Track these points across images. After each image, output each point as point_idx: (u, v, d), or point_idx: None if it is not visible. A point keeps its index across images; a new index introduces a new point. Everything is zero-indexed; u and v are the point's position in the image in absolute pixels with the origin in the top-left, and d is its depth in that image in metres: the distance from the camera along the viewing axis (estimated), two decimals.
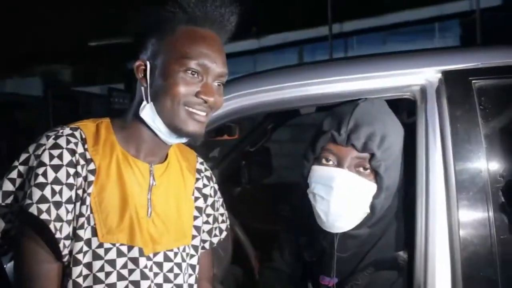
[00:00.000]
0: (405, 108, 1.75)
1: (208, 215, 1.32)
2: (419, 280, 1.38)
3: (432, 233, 1.38)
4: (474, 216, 1.37)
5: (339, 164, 1.48)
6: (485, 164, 1.39)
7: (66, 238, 1.05)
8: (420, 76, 1.52)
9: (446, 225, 1.37)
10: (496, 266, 1.33)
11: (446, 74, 1.49)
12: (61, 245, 1.04)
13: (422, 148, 1.45)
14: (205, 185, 1.32)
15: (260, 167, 3.04)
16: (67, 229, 1.05)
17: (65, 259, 1.06)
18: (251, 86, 1.62)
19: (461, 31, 8.97)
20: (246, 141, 2.71)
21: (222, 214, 1.38)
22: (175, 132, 1.13)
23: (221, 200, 1.39)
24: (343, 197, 1.45)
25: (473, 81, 1.46)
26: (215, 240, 1.36)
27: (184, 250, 1.21)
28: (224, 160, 2.66)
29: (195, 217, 1.28)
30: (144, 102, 1.14)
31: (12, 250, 1.23)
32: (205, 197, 1.32)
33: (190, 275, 1.24)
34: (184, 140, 1.18)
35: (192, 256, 1.24)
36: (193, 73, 1.11)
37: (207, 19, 1.14)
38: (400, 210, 1.54)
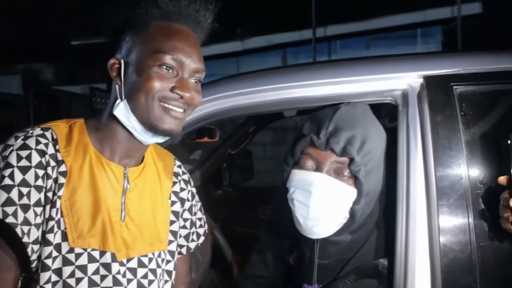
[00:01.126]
0: (386, 113, 1.74)
1: (185, 220, 1.30)
2: (399, 286, 1.37)
3: (412, 239, 1.37)
4: (454, 223, 1.36)
5: (318, 169, 1.45)
6: (465, 170, 1.38)
7: (35, 242, 1.02)
8: (402, 81, 1.51)
9: (426, 232, 1.36)
10: (476, 273, 1.33)
11: (427, 79, 1.48)
12: (29, 249, 1.01)
13: (403, 153, 1.44)
14: (182, 189, 1.29)
15: (241, 170, 3.03)
16: (35, 233, 1.02)
17: (33, 264, 1.03)
18: (231, 88, 1.60)
19: (443, 36, 9.08)
20: (228, 143, 2.69)
21: (200, 219, 1.35)
22: (151, 130, 1.10)
23: (199, 204, 1.36)
24: (321, 202, 1.43)
25: (454, 87, 1.46)
26: (192, 245, 1.33)
27: (159, 255, 1.18)
28: (205, 162, 2.64)
29: (172, 222, 1.25)
30: (118, 100, 1.10)
31: None
32: (182, 201, 1.29)
33: (166, 281, 1.21)
34: (160, 139, 1.14)
35: (168, 261, 1.21)
36: (168, 68, 1.09)
37: (181, 14, 1.12)
38: (382, 217, 1.52)
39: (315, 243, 1.51)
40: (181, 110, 1.11)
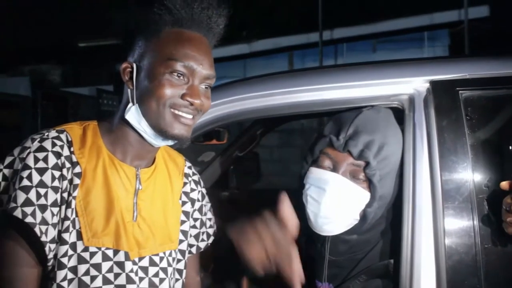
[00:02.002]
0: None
1: (195, 220, 1.32)
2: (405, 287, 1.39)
3: (418, 241, 1.39)
4: (459, 225, 1.38)
5: (335, 169, 1.50)
6: (470, 174, 1.40)
7: (52, 241, 1.05)
8: (408, 85, 1.53)
9: (432, 234, 1.38)
10: (481, 275, 1.35)
11: (434, 84, 1.51)
12: (46, 248, 1.04)
13: (409, 157, 1.46)
14: (192, 190, 1.32)
15: (249, 172, 3.04)
16: (52, 233, 1.05)
17: (50, 263, 1.06)
18: (240, 92, 1.62)
19: (449, 40, 9.06)
20: (235, 146, 2.71)
21: (210, 219, 1.38)
22: (161, 134, 1.13)
23: (209, 205, 1.38)
24: (333, 201, 1.47)
25: (460, 92, 1.48)
26: (202, 245, 1.35)
27: (170, 254, 1.20)
28: (212, 164, 2.66)
29: (182, 222, 1.27)
30: (130, 104, 1.13)
31: None
32: (193, 201, 1.31)
33: (177, 279, 1.23)
34: (170, 142, 1.17)
35: (179, 260, 1.24)
36: (179, 75, 1.11)
37: (194, 21, 1.14)
38: (395, 219, 1.55)
39: (326, 239, 1.55)
40: (191, 117, 1.14)
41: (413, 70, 1.56)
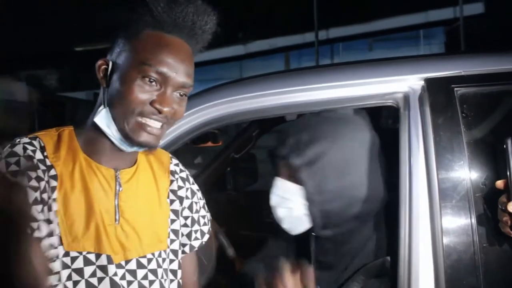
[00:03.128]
0: (389, 115, 1.75)
1: (185, 218, 1.29)
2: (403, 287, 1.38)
3: (415, 240, 1.38)
4: (457, 224, 1.36)
5: (280, 174, 1.58)
6: (467, 172, 1.39)
7: (49, 236, 1.03)
8: (403, 83, 1.52)
9: (429, 233, 1.37)
10: (479, 273, 1.33)
11: (428, 81, 1.49)
12: (45, 243, 1.02)
13: (405, 156, 1.45)
14: (180, 187, 1.29)
15: (245, 174, 3.03)
16: (46, 228, 1.03)
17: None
18: (233, 93, 1.61)
19: (445, 37, 9.08)
20: (231, 147, 2.70)
21: (203, 216, 1.34)
22: (127, 141, 1.09)
23: (201, 201, 1.34)
24: (279, 203, 1.56)
25: (455, 89, 1.47)
26: (196, 243, 1.32)
27: (160, 255, 1.18)
28: (209, 167, 2.65)
29: (172, 221, 1.25)
30: (101, 107, 1.10)
31: None
32: (181, 199, 1.28)
33: (172, 280, 1.21)
34: (139, 149, 1.14)
35: (172, 261, 1.22)
36: (151, 80, 1.07)
37: (176, 25, 1.10)
38: (387, 215, 1.54)
39: (310, 240, 1.60)
40: (159, 125, 1.09)
41: (408, 68, 1.55)
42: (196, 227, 1.31)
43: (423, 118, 1.46)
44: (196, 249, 1.33)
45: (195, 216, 1.31)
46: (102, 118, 1.10)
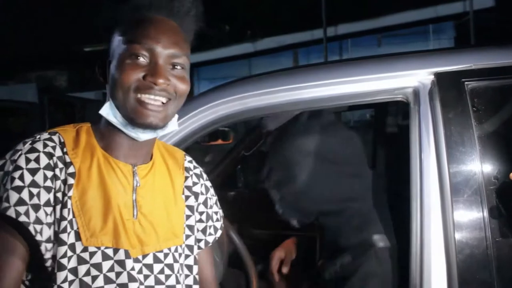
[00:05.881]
0: (399, 110, 1.75)
1: (200, 213, 1.29)
2: (415, 283, 1.38)
3: (427, 235, 1.37)
4: (469, 218, 1.36)
5: None
6: (479, 166, 1.38)
7: (48, 241, 1.04)
8: (413, 78, 1.52)
9: (441, 228, 1.37)
10: (492, 268, 1.33)
11: (438, 76, 1.49)
12: (42, 247, 1.03)
13: (416, 150, 1.44)
14: (195, 183, 1.29)
15: (256, 171, 3.04)
16: (47, 232, 1.04)
17: (48, 263, 1.05)
18: (242, 90, 1.61)
19: (455, 32, 9.03)
20: (241, 145, 2.71)
21: (216, 213, 1.34)
22: (131, 123, 1.09)
23: (214, 198, 1.35)
24: None
25: (465, 83, 1.46)
26: (210, 239, 1.32)
27: (176, 250, 1.19)
28: (219, 165, 2.66)
29: (188, 216, 1.25)
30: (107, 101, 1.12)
31: None
32: (196, 195, 1.29)
33: (187, 275, 1.21)
34: (152, 134, 1.13)
35: (187, 256, 1.22)
36: (138, 57, 1.07)
37: (152, 5, 1.11)
38: (394, 218, 1.57)
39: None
40: (159, 102, 1.08)
41: (417, 62, 1.54)
42: (210, 222, 1.32)
43: (433, 112, 1.45)
44: (210, 244, 1.34)
45: (209, 211, 1.32)
46: (107, 110, 1.11)
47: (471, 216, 1.36)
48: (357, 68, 1.58)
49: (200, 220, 1.29)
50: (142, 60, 1.07)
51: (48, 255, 1.04)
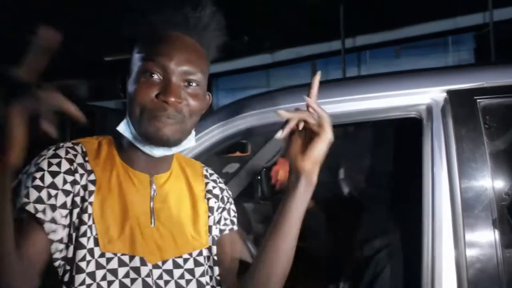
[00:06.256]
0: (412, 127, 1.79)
1: (217, 209, 1.30)
2: None
3: (438, 249, 1.41)
4: (480, 234, 1.39)
5: None
6: (490, 182, 1.42)
7: (60, 241, 1.07)
8: (426, 95, 1.56)
9: (452, 242, 1.40)
10: (503, 283, 1.35)
11: (451, 93, 1.53)
12: (53, 247, 1.06)
13: (428, 166, 1.48)
14: (214, 187, 1.32)
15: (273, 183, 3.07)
16: (61, 233, 1.07)
17: (56, 263, 1.08)
18: (262, 105, 1.66)
19: (475, 43, 8.95)
20: (259, 157, 2.75)
21: (234, 210, 1.35)
22: (148, 142, 1.11)
23: (230, 198, 1.35)
24: None
25: (478, 100, 1.49)
26: (224, 228, 1.30)
27: (200, 254, 1.21)
28: (237, 176, 2.70)
29: (208, 217, 1.27)
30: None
31: None
32: (216, 196, 1.31)
33: (211, 277, 1.23)
34: (167, 151, 1.14)
35: (208, 257, 1.23)
36: (151, 74, 1.08)
37: (167, 22, 1.12)
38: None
39: None
40: (172, 121, 1.08)
41: (430, 80, 1.59)
42: (225, 214, 1.31)
43: (446, 129, 1.49)
44: (226, 233, 1.29)
45: (226, 206, 1.32)
46: (123, 126, 1.14)
47: (481, 231, 1.39)
48: (372, 85, 1.63)
49: (218, 216, 1.29)
50: (156, 77, 1.08)
51: (57, 255, 1.07)
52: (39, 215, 1.04)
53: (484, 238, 1.39)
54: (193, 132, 1.18)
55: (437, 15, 8.33)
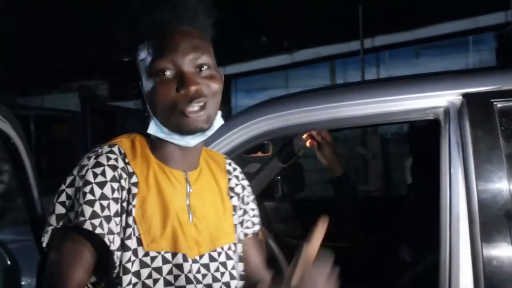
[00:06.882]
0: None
1: (240, 209, 1.35)
2: None
3: (455, 249, 1.45)
4: (496, 234, 1.43)
5: None
6: (506, 183, 1.46)
7: (118, 249, 1.11)
8: (443, 98, 1.60)
9: (469, 242, 1.44)
10: None
11: (468, 96, 1.56)
12: (115, 256, 1.10)
13: (446, 168, 1.52)
14: (236, 184, 1.35)
15: (293, 182, 3.12)
16: (118, 241, 1.11)
17: (116, 269, 1.12)
18: (284, 108, 1.72)
19: (496, 43, 8.87)
20: (279, 157, 2.80)
21: (253, 209, 1.39)
22: (182, 134, 1.13)
23: (251, 196, 1.39)
24: None
25: (494, 103, 1.53)
26: (247, 231, 1.36)
27: (229, 248, 1.25)
28: (258, 175, 2.75)
29: (232, 215, 1.31)
30: (151, 119, 1.18)
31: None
32: (238, 195, 1.34)
33: (238, 271, 1.27)
34: (200, 137, 1.16)
35: (234, 252, 1.28)
36: (165, 72, 1.10)
37: (159, 20, 1.14)
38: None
39: None
40: (197, 108, 1.11)
41: (447, 84, 1.62)
42: (247, 217, 1.36)
43: (463, 131, 1.53)
44: (250, 235, 1.36)
45: (246, 207, 1.36)
46: (153, 127, 1.17)
47: (498, 231, 1.43)
48: (392, 89, 1.67)
49: (240, 216, 1.34)
50: (169, 73, 1.10)
51: (118, 262, 1.11)
52: (98, 230, 1.07)
53: (500, 237, 1.42)
54: (219, 112, 1.20)
55: (457, 14, 8.28)
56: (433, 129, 1.62)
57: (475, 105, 1.54)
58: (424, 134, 1.89)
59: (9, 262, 1.86)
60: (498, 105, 1.53)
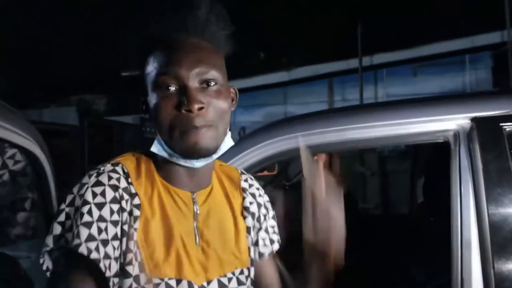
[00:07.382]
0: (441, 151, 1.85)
1: (254, 227, 1.27)
2: None
3: (467, 272, 1.46)
4: (507, 257, 1.44)
5: None
6: None
7: (115, 275, 1.03)
8: (453, 122, 1.63)
9: (480, 266, 1.45)
10: None
11: (477, 120, 1.59)
12: (110, 283, 1.03)
13: (456, 190, 1.54)
14: (251, 203, 1.26)
15: (295, 201, 3.13)
16: (115, 267, 1.03)
17: None
18: (291, 131, 1.74)
19: (492, 62, 8.94)
20: (282, 176, 2.82)
21: (272, 226, 1.31)
22: (184, 155, 1.06)
23: (271, 212, 1.32)
24: None
25: (503, 127, 1.56)
26: (264, 250, 1.28)
27: (241, 273, 1.18)
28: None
29: (246, 237, 1.23)
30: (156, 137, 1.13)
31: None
32: (253, 215, 1.26)
33: None
34: (205, 160, 1.09)
35: (247, 277, 1.20)
36: (168, 86, 1.03)
37: (167, 31, 1.08)
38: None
39: None
40: (200, 129, 1.03)
41: (457, 107, 1.66)
42: (263, 234, 1.28)
43: (473, 154, 1.55)
44: (267, 256, 1.29)
45: (263, 225, 1.29)
46: (157, 146, 1.10)
47: (509, 255, 1.44)
48: (401, 112, 1.70)
49: (255, 235, 1.27)
50: (172, 89, 1.04)
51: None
52: (93, 255, 0.99)
53: (511, 261, 1.44)
54: (229, 133, 1.13)
55: (454, 33, 8.35)
56: (444, 151, 1.64)
57: (485, 129, 1.57)
58: (435, 156, 1.91)
59: (22, 279, 1.85)
60: (507, 129, 1.55)
